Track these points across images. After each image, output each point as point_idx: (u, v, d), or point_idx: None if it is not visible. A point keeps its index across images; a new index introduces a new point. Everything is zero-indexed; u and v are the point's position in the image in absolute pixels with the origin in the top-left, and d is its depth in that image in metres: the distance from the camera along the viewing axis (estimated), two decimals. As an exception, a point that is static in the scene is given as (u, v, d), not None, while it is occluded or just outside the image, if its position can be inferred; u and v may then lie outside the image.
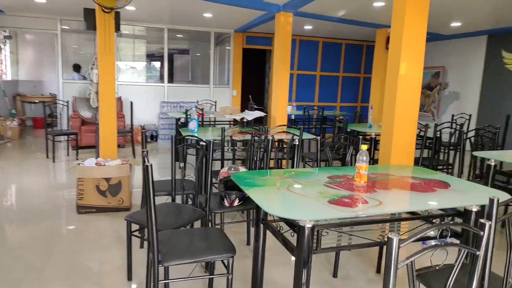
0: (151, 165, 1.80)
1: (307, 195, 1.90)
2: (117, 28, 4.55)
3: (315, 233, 1.76)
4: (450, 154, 4.75)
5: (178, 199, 2.90)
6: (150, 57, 10.02)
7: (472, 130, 3.85)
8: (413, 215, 2.13)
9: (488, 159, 3.05)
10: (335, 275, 2.64)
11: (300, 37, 9.11)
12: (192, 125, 4.02)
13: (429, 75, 9.41)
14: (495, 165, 3.07)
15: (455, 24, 6.99)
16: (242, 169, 2.88)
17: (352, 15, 6.44)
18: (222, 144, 3.46)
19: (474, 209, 1.93)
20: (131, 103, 6.47)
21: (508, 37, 7.41)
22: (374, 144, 4.63)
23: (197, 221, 2.55)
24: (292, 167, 3.38)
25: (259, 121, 7.44)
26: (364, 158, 2.05)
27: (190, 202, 3.15)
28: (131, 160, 3.85)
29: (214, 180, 2.92)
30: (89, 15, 4.56)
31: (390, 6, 5.66)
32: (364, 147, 2.07)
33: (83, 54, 8.72)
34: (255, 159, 3.28)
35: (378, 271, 2.72)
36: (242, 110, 7.79)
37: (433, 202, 1.88)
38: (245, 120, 6.03)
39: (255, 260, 2.30)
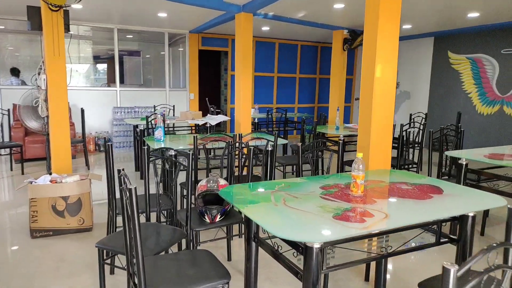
0: (135, 188, 1.57)
1: (308, 211, 1.76)
2: (67, 28, 4.13)
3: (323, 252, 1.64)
4: (415, 152, 4.90)
5: (153, 216, 2.64)
6: (97, 59, 9.41)
7: (438, 130, 3.95)
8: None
9: (459, 158, 3.13)
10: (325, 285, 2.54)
11: (257, 38, 9.02)
12: (158, 133, 3.74)
13: (381, 75, 9.74)
14: (466, 164, 3.16)
15: (406, 26, 7.27)
16: (222, 181, 2.69)
17: (310, 17, 6.45)
18: (196, 154, 3.23)
19: (471, 214, 1.92)
20: (82, 110, 5.97)
21: (452, 38, 7.86)
22: (343, 147, 4.62)
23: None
24: (267, 174, 3.24)
25: (217, 125, 7.24)
26: (361, 166, 1.95)
27: (163, 219, 2.90)
28: (91, 174, 3.49)
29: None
30: (34, 14, 4.09)
31: (349, 8, 5.79)
32: (359, 155, 1.98)
33: (22, 57, 7.97)
34: (233, 168, 3.10)
35: (367, 279, 2.67)
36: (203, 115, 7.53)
37: (444, 212, 1.82)
38: (208, 125, 5.80)
39: (247, 281, 2.13)
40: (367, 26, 3.16)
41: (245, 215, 1.91)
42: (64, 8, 3.92)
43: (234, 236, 3.33)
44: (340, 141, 3.62)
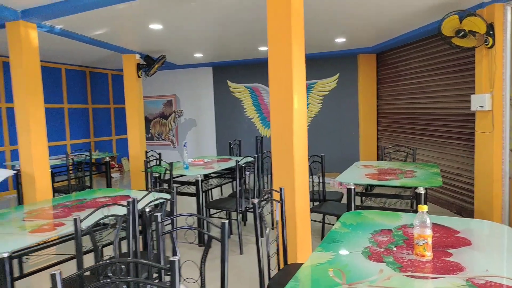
0: None
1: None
2: None
3: None
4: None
5: None
6: None
7: (312, 156, 4.00)
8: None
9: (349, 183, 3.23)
10: None
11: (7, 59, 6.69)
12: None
13: (161, 103, 9.37)
14: (354, 188, 3.29)
15: (198, 55, 7.25)
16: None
17: (103, 37, 5.30)
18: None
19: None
20: None
21: (229, 69, 8.48)
22: (201, 193, 3.94)
23: None
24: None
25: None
26: (428, 222, 1.56)
27: None
28: None
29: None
30: None
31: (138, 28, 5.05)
32: (424, 207, 1.58)
33: None
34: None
35: None
36: None
37: None
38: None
39: None
40: (273, 54, 2.76)
41: None
42: None
43: None
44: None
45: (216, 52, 6.99)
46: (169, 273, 1.26)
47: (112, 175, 8.30)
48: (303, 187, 2.90)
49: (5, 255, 1.94)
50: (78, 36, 5.04)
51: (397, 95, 6.48)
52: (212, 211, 4.86)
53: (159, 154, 4.74)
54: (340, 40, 6.04)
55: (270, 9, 2.75)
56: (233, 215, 4.80)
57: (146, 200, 2.61)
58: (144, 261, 1.35)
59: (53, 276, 1.24)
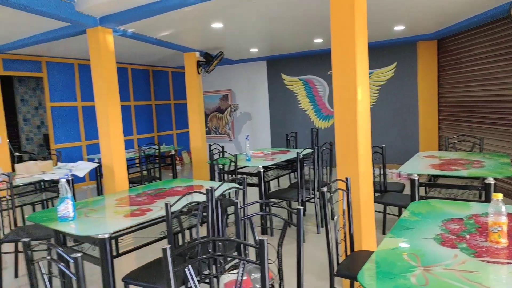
0: None
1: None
2: None
3: None
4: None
5: None
6: None
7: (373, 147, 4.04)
8: None
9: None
10: None
11: (88, 61, 7.36)
12: (65, 209, 2.29)
13: (218, 98, 9.72)
14: (418, 179, 3.28)
15: (254, 50, 7.45)
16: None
17: (168, 37, 5.65)
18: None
19: None
20: None
21: (283, 62, 8.59)
22: (264, 183, 4.14)
23: None
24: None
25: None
26: (503, 209, 1.60)
27: None
28: None
29: None
30: None
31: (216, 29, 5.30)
32: (498, 195, 1.62)
33: None
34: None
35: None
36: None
37: None
38: (69, 178, 4.14)
39: None
40: (338, 47, 2.84)
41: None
42: None
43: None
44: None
45: (271, 46, 7.14)
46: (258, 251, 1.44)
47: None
48: (367, 177, 2.97)
49: (106, 236, 2.25)
50: (146, 38, 5.44)
51: (460, 83, 6.21)
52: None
53: (222, 147, 5.01)
54: (399, 28, 5.91)
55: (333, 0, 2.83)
56: (293, 204, 4.95)
57: (220, 189, 2.84)
58: (239, 240, 1.54)
59: (164, 250, 1.47)
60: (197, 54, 6.91)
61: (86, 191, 7.11)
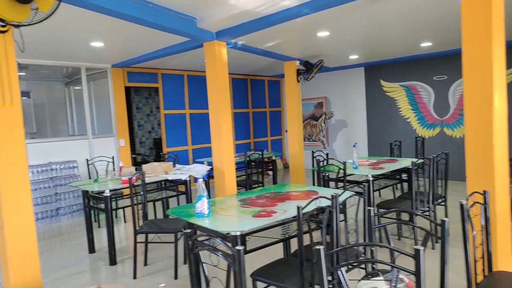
0: None
1: None
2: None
3: None
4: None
5: None
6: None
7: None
8: None
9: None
10: None
11: (195, 72, 7.99)
12: (201, 206, 2.52)
13: (312, 105, 9.75)
14: None
15: (353, 56, 7.34)
16: (406, 278, 1.76)
17: (271, 47, 5.86)
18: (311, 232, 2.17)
19: None
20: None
21: (382, 68, 8.28)
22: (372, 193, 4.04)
23: None
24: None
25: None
26: None
27: None
28: None
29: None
30: None
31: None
32: None
33: None
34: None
35: None
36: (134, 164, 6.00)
37: None
38: (182, 179, 4.51)
39: None
40: (471, 48, 2.68)
41: None
42: (18, 26, 2.42)
43: None
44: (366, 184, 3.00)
45: (371, 52, 6.95)
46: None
47: (268, 172, 9.04)
48: (503, 191, 2.72)
49: (238, 233, 2.41)
50: (253, 49, 5.72)
51: None
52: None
53: (327, 154, 5.01)
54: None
55: None
56: (402, 216, 4.73)
57: (343, 195, 2.85)
58: (392, 247, 1.54)
59: (317, 251, 1.53)
60: (297, 62, 7.03)
61: (194, 191, 7.66)
